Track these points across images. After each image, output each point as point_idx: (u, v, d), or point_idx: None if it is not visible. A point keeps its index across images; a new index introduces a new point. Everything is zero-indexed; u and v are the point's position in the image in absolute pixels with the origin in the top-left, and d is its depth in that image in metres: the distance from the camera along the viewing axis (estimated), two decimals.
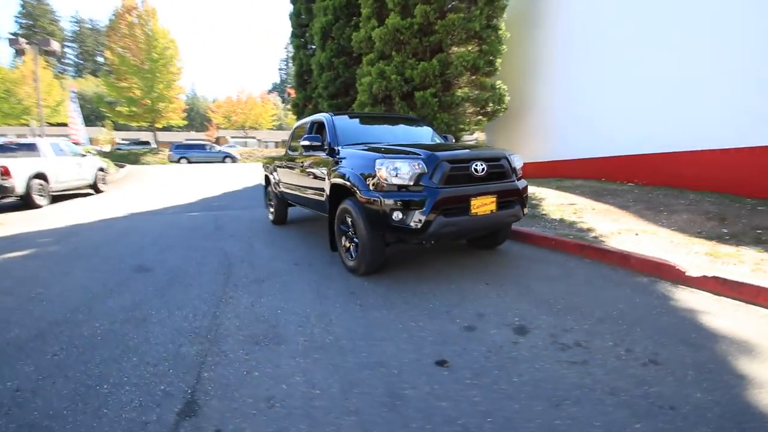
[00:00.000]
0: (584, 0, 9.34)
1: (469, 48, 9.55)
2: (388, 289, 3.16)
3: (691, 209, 4.82)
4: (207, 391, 1.93)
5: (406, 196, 3.10)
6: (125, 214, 8.25)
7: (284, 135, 59.30)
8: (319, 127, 4.80)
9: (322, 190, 4.16)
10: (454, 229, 3.18)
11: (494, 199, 3.27)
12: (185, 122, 38.33)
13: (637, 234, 4.22)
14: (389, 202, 3.07)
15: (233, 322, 2.70)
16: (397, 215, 3.07)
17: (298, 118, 17.28)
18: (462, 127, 9.86)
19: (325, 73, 12.94)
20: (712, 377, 1.92)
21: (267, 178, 7.03)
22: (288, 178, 5.37)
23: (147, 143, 35.32)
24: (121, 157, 26.53)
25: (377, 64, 9.78)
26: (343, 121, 4.51)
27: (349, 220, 3.53)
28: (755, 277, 2.90)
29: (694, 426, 1.59)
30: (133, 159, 26.97)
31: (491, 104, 9.74)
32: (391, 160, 3.17)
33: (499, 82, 9.97)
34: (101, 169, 13.03)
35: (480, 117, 10.18)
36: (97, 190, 12.57)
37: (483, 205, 3.23)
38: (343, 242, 3.75)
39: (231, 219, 7.23)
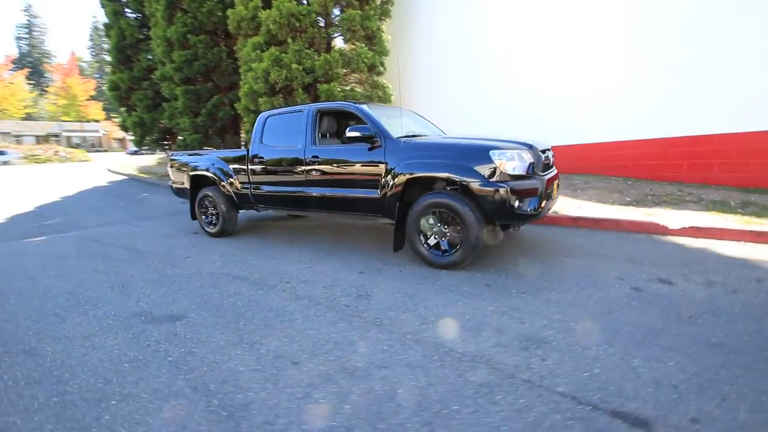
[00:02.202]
0: (449, 14, 10.91)
1: (361, 46, 9.75)
2: (510, 277, 3.29)
3: (598, 188, 6.62)
4: None
5: (526, 184, 3.29)
6: None
7: (46, 127, 44.34)
8: (337, 117, 4.30)
9: (375, 186, 3.80)
10: (547, 212, 3.59)
11: (558, 184, 3.86)
12: None
13: (579, 207, 5.60)
14: (513, 191, 3.19)
15: None
16: (518, 203, 3.24)
17: (121, 104, 13.62)
18: None
19: (177, 52, 10.72)
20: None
21: (197, 181, 5.58)
22: (284, 178, 4.50)
23: None
24: None
25: (270, 49, 8.87)
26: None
27: (440, 213, 3.44)
28: (713, 223, 4.31)
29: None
30: None
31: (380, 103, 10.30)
32: (510, 150, 3.30)
33: (385, 81, 10.59)
34: None
35: None
36: None
37: (556, 189, 3.77)
38: (422, 239, 3.60)
39: (154, 241, 5.40)
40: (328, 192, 4.19)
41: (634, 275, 3.21)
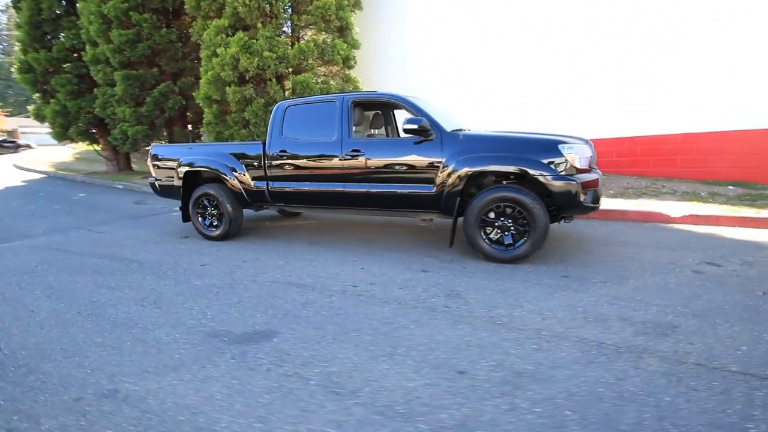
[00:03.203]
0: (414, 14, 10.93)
1: (334, 37, 9.37)
2: (576, 268, 3.37)
3: None
4: None
5: (591, 177, 3.36)
6: None
7: None
8: (373, 109, 4.03)
9: (431, 181, 3.64)
10: None
11: None
12: None
13: None
14: (582, 183, 3.24)
15: None
16: (584, 196, 3.32)
17: (36, 90, 11.47)
18: None
19: (117, 31, 9.34)
20: None
21: (191, 178, 4.90)
22: (314, 173, 4.10)
23: None
24: None
25: (237, 34, 8.12)
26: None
27: (506, 207, 3.42)
28: (706, 211, 4.86)
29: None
30: None
31: None
32: (576, 144, 3.34)
33: (356, 75, 10.33)
34: None
35: None
36: None
37: None
38: (482, 234, 3.54)
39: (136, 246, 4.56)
40: (373, 188, 3.94)
41: (681, 260, 3.51)
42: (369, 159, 3.90)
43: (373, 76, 10.69)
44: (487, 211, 3.50)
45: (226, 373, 1.99)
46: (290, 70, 8.61)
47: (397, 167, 3.82)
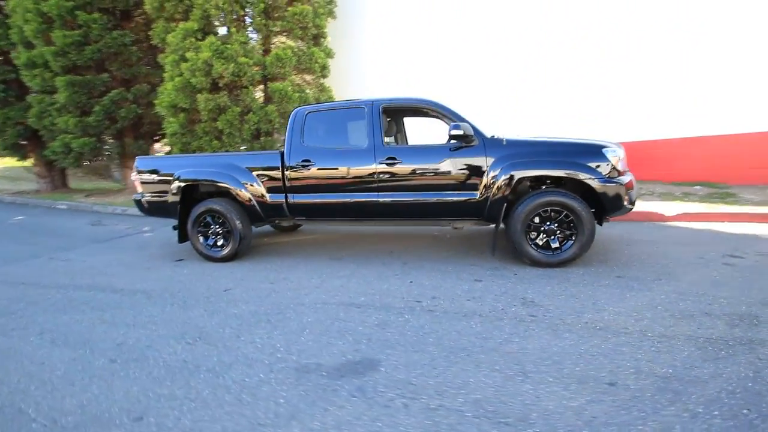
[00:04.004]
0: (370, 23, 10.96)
1: (309, 46, 9.08)
2: (619, 268, 3.46)
3: None
4: None
5: (629, 178, 3.46)
6: None
7: None
8: (402, 115, 3.86)
9: (475, 188, 3.55)
10: None
11: None
12: None
13: None
14: (625, 186, 3.36)
15: None
16: (626, 197, 3.44)
17: None
18: None
19: (60, 32, 8.27)
20: None
21: (190, 193, 4.37)
22: (344, 184, 3.82)
23: None
24: None
25: (209, 38, 7.57)
26: None
27: (550, 212, 3.43)
28: (695, 209, 5.26)
29: None
30: None
31: None
32: (617, 148, 3.44)
33: (328, 83, 10.07)
34: None
35: None
36: None
37: None
38: (528, 238, 3.52)
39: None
40: (411, 197, 3.77)
41: (706, 254, 3.74)
42: (406, 167, 3.73)
43: (339, 85, 10.34)
44: (533, 216, 3.49)
45: (359, 414, 1.70)
46: (267, 77, 8.18)
47: (437, 175, 3.69)
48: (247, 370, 2.11)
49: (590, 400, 1.73)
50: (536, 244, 3.55)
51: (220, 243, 4.31)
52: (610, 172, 3.39)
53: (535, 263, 3.56)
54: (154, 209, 4.55)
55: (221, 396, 1.89)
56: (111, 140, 9.78)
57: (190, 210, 4.33)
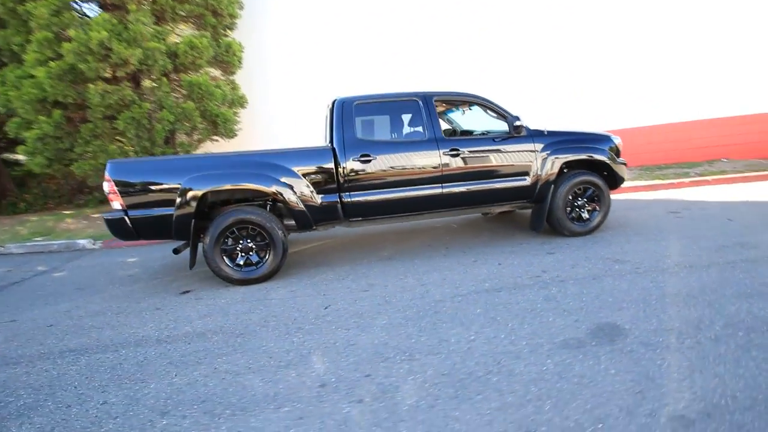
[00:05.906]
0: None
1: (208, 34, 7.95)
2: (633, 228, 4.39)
3: None
4: None
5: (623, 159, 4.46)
6: None
7: None
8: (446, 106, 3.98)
9: (526, 173, 3.90)
10: None
11: None
12: None
13: None
14: (624, 165, 4.31)
15: None
16: (625, 173, 4.37)
17: None
18: None
19: None
20: None
21: (204, 204, 3.42)
22: (409, 177, 3.59)
23: None
24: None
25: (101, 14, 5.91)
26: None
27: (587, 189, 4.12)
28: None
29: None
30: None
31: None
32: (617, 137, 4.32)
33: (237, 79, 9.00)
34: None
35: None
36: None
37: None
38: (570, 214, 4.14)
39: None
40: (472, 186, 3.91)
41: (655, 209, 5.11)
42: (467, 157, 3.87)
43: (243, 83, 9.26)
44: (570, 194, 4.13)
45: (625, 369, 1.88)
46: (178, 67, 6.80)
47: (494, 163, 3.95)
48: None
49: None
50: (572, 217, 4.21)
51: (255, 260, 3.54)
52: (617, 154, 4.31)
53: (574, 234, 4.20)
54: (145, 230, 3.39)
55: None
56: None
57: (199, 225, 3.43)
